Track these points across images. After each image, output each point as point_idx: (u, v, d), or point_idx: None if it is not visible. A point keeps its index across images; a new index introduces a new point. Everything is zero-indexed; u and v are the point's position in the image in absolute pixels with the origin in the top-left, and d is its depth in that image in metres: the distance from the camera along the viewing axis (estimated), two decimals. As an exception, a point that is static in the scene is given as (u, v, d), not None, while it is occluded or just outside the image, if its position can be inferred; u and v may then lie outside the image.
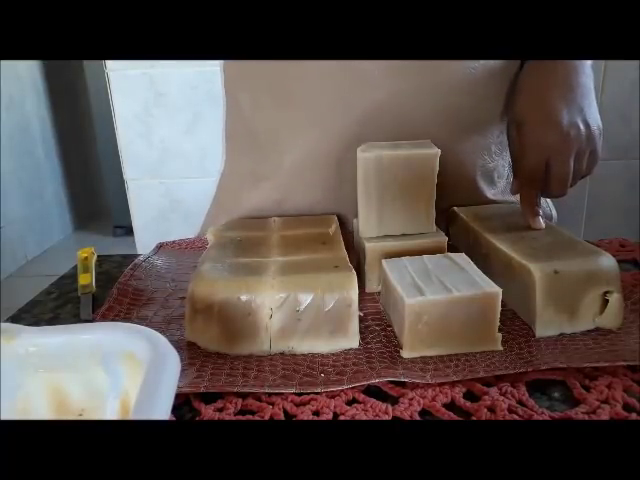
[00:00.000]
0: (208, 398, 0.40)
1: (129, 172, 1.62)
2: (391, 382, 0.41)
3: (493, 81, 0.64)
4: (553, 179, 0.55)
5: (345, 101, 0.62)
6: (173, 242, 0.71)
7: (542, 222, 0.56)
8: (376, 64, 0.60)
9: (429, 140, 0.55)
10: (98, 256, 0.67)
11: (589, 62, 0.61)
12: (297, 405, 0.39)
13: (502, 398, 0.39)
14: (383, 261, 0.50)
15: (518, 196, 0.61)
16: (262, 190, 0.69)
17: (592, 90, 0.59)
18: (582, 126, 0.56)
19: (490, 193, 0.69)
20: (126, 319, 0.51)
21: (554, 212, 0.75)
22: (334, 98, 0.62)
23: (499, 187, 0.70)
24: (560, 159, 0.55)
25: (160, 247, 0.69)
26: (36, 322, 0.54)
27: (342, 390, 0.40)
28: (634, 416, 0.37)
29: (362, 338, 0.46)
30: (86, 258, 0.64)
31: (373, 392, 0.41)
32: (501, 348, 0.44)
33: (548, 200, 0.74)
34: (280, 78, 0.65)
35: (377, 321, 0.49)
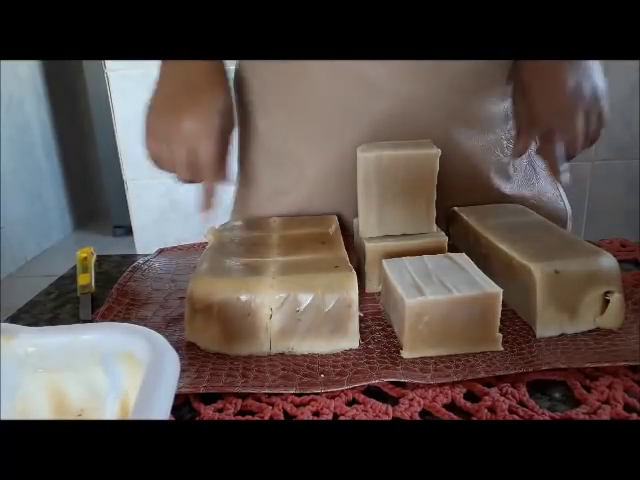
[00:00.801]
0: (208, 399, 0.40)
1: (129, 172, 1.62)
2: (391, 382, 0.41)
3: (500, 80, 0.64)
4: (564, 137, 0.56)
5: (356, 110, 0.62)
6: (173, 247, 0.71)
7: (567, 176, 0.56)
8: (383, 72, 0.60)
9: (430, 140, 0.55)
10: (97, 256, 0.67)
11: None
12: (297, 406, 0.39)
13: (503, 398, 0.39)
14: (383, 261, 0.49)
15: (531, 192, 0.68)
16: (282, 205, 0.70)
17: (597, 63, 0.59)
18: (589, 85, 0.56)
19: (507, 188, 0.69)
20: (125, 319, 0.51)
21: (568, 206, 0.75)
22: (345, 109, 0.63)
23: (516, 181, 0.70)
24: (569, 116, 0.56)
25: (161, 252, 0.69)
26: (35, 322, 0.54)
27: (342, 390, 0.40)
28: (635, 416, 0.37)
29: (362, 338, 0.46)
30: (85, 258, 0.64)
31: (373, 393, 0.41)
32: (501, 348, 0.44)
33: (563, 195, 0.75)
34: (288, 93, 0.66)
35: (377, 321, 0.49)
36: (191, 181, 0.59)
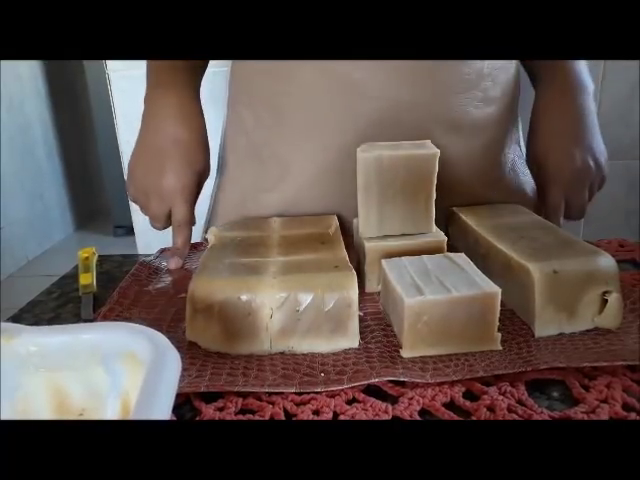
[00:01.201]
0: (209, 397, 0.41)
1: (129, 172, 1.61)
2: (391, 381, 0.41)
3: (488, 86, 0.65)
4: (572, 209, 0.67)
5: (344, 112, 0.63)
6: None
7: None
8: (369, 73, 0.61)
9: (429, 140, 0.55)
10: (99, 256, 0.67)
11: (592, 88, 0.68)
12: (297, 404, 0.39)
13: (501, 397, 0.39)
14: (383, 261, 0.50)
15: (518, 195, 0.71)
16: (265, 202, 0.70)
17: (595, 119, 0.68)
18: (592, 162, 0.66)
19: (490, 192, 0.69)
20: (127, 319, 0.51)
21: None
22: (332, 110, 0.63)
23: (500, 185, 0.71)
24: (576, 193, 0.67)
25: (162, 252, 0.70)
26: (37, 322, 0.54)
27: (342, 389, 0.40)
28: (633, 416, 0.37)
29: (362, 338, 0.46)
30: (87, 258, 0.64)
31: (373, 391, 0.41)
32: (500, 348, 0.44)
33: None
34: (277, 93, 0.66)
35: (377, 321, 0.49)
36: (164, 228, 0.66)
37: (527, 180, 0.74)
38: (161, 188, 0.62)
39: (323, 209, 0.67)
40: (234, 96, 0.74)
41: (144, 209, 0.65)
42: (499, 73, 0.66)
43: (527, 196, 0.73)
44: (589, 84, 0.68)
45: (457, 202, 0.65)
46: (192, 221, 0.65)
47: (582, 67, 0.69)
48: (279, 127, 0.67)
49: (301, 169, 0.67)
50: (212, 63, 0.75)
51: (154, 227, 0.65)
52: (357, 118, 0.62)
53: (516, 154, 0.73)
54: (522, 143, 0.75)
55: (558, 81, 0.69)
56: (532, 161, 0.70)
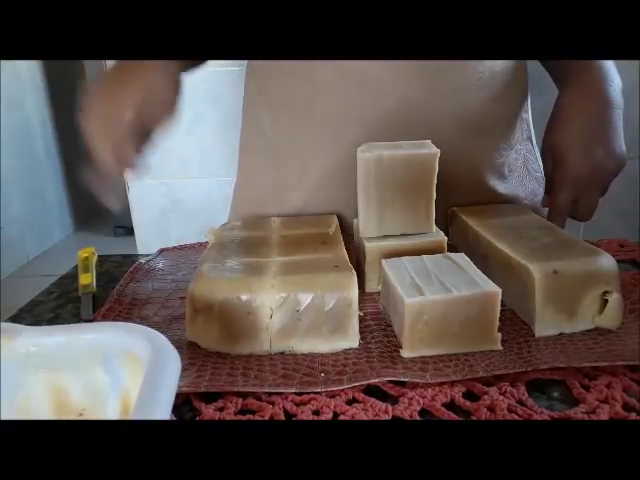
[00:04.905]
0: (208, 398, 0.40)
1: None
2: (391, 382, 0.41)
3: (500, 83, 0.66)
4: (582, 209, 0.64)
5: (362, 110, 0.63)
6: (174, 247, 0.71)
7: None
8: (386, 71, 0.61)
9: (429, 140, 0.55)
10: (99, 256, 0.67)
11: (619, 83, 0.64)
12: (297, 405, 0.39)
13: (502, 398, 0.39)
14: (383, 261, 0.50)
15: (524, 192, 0.72)
16: (286, 201, 0.70)
17: (621, 115, 0.63)
18: (613, 162, 0.62)
19: (502, 188, 0.70)
20: (126, 319, 0.51)
21: None
22: (351, 108, 0.64)
23: (511, 181, 0.71)
24: (590, 194, 0.63)
25: (162, 252, 0.70)
26: (37, 322, 0.54)
27: (342, 390, 0.40)
28: (633, 416, 0.37)
29: (362, 338, 0.46)
30: (87, 258, 0.64)
31: (373, 392, 0.41)
32: (500, 348, 0.44)
33: None
34: (295, 93, 0.66)
35: (377, 321, 0.49)
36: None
37: (539, 176, 0.74)
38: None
39: (342, 206, 0.67)
40: (250, 98, 0.74)
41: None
42: (510, 71, 0.66)
43: (538, 190, 0.73)
44: (616, 79, 0.65)
45: (466, 200, 0.66)
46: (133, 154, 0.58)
47: (608, 62, 0.67)
48: (299, 126, 0.68)
49: (321, 167, 0.67)
50: (213, 63, 0.75)
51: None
52: (375, 116, 0.63)
53: (528, 150, 0.73)
54: (534, 140, 0.75)
55: (584, 76, 0.66)
56: (549, 155, 0.66)
